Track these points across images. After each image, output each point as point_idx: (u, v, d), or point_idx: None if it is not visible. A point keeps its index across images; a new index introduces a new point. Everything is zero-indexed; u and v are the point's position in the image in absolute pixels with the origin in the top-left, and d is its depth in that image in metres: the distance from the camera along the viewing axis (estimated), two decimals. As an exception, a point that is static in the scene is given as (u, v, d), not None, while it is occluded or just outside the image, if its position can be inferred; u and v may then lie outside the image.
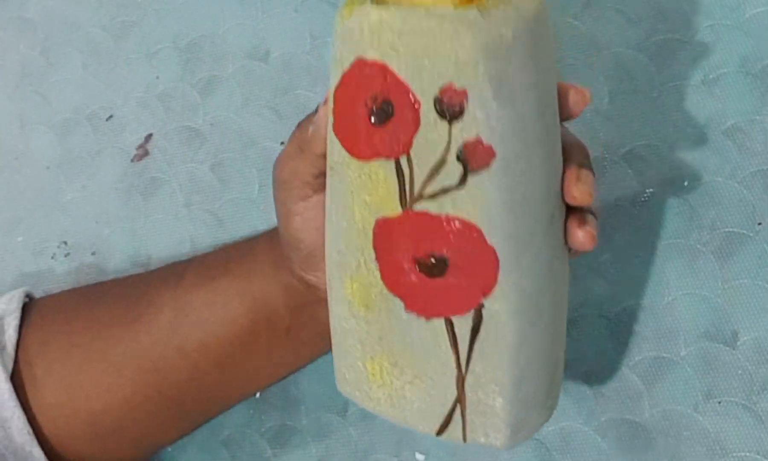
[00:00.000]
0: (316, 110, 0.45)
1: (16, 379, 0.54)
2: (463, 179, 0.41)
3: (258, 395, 0.60)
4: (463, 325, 0.43)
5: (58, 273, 0.66)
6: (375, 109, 0.41)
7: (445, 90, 0.39)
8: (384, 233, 0.43)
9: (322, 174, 0.46)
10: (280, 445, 0.60)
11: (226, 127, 0.65)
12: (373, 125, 0.41)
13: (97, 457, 0.56)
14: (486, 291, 0.42)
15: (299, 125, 0.47)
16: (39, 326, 0.56)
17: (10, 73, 0.71)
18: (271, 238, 0.54)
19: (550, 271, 0.44)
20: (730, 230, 0.55)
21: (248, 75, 0.66)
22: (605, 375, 0.55)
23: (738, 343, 0.53)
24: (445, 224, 0.42)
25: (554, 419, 0.50)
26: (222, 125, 0.66)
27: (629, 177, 0.56)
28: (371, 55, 0.40)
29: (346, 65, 0.41)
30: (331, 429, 0.59)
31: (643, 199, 0.56)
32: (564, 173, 0.44)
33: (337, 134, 0.43)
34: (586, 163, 0.45)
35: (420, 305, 0.44)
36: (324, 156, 0.45)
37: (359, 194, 0.43)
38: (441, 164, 0.41)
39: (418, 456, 0.57)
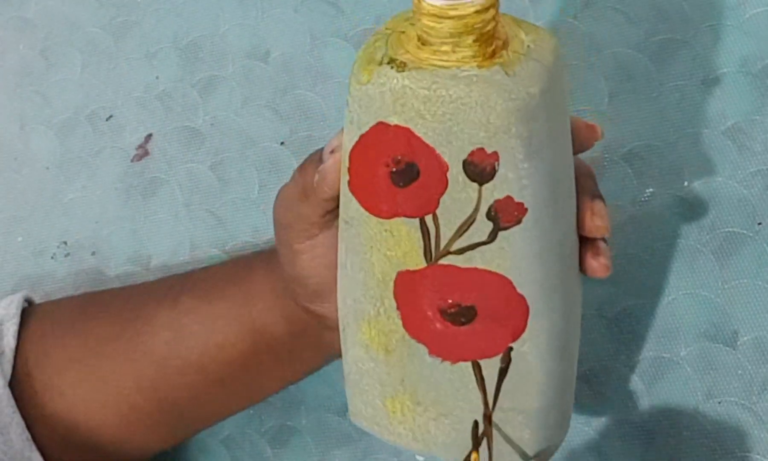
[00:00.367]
0: (320, 157, 0.44)
1: (14, 387, 0.54)
2: (493, 235, 0.40)
3: (258, 395, 0.60)
4: (490, 366, 0.42)
5: (58, 273, 0.66)
6: (398, 171, 0.40)
7: (476, 153, 0.38)
8: (406, 285, 0.42)
9: (328, 213, 0.45)
10: (280, 445, 0.60)
11: (226, 127, 0.65)
12: (395, 185, 0.40)
13: None
14: (516, 336, 0.41)
15: (301, 169, 0.46)
16: (38, 337, 0.56)
17: (10, 73, 0.71)
18: (268, 262, 0.52)
19: (574, 304, 0.44)
20: (730, 230, 0.54)
21: (248, 75, 0.66)
22: (605, 375, 0.55)
23: (738, 343, 0.53)
24: (473, 276, 0.41)
25: (554, 419, 0.50)
26: (222, 125, 0.66)
27: (629, 177, 0.56)
28: (394, 120, 0.39)
29: (365, 128, 0.40)
30: (331, 429, 0.59)
31: (643, 199, 0.56)
32: (578, 204, 0.43)
33: (353, 192, 0.42)
34: (596, 191, 0.44)
35: (445, 351, 0.43)
36: (330, 199, 0.44)
37: (379, 249, 0.42)
38: (470, 221, 0.40)
39: (418, 456, 0.57)
